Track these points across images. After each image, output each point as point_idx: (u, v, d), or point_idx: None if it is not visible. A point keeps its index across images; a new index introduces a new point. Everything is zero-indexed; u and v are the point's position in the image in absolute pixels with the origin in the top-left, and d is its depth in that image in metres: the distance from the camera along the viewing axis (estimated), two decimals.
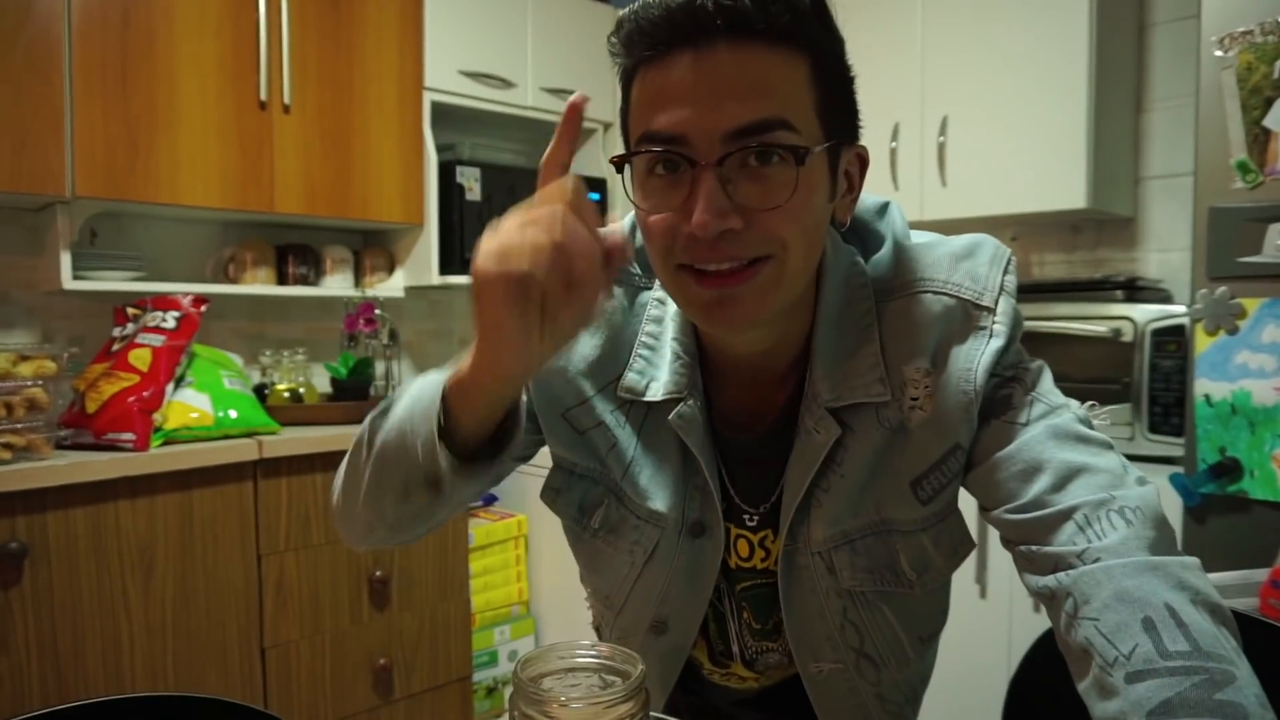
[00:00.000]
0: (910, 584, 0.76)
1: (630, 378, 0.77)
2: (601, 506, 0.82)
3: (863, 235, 0.78)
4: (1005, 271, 0.72)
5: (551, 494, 0.86)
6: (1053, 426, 0.68)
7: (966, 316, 0.70)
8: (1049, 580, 0.64)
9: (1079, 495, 0.64)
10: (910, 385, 0.71)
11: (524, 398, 0.73)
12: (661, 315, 0.78)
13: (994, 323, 0.70)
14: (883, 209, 0.79)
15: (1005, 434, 0.69)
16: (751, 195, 0.62)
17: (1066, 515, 0.64)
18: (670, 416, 0.75)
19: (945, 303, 0.71)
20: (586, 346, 0.78)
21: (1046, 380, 0.72)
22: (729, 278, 0.64)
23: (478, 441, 0.66)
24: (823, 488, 0.74)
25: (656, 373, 0.77)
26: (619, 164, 0.67)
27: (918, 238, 0.77)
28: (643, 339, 0.78)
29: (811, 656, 0.81)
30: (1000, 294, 0.71)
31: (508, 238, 0.56)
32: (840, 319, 0.73)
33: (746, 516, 0.80)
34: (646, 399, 0.77)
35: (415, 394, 0.69)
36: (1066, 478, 0.65)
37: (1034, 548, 0.66)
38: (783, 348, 0.74)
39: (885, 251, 0.75)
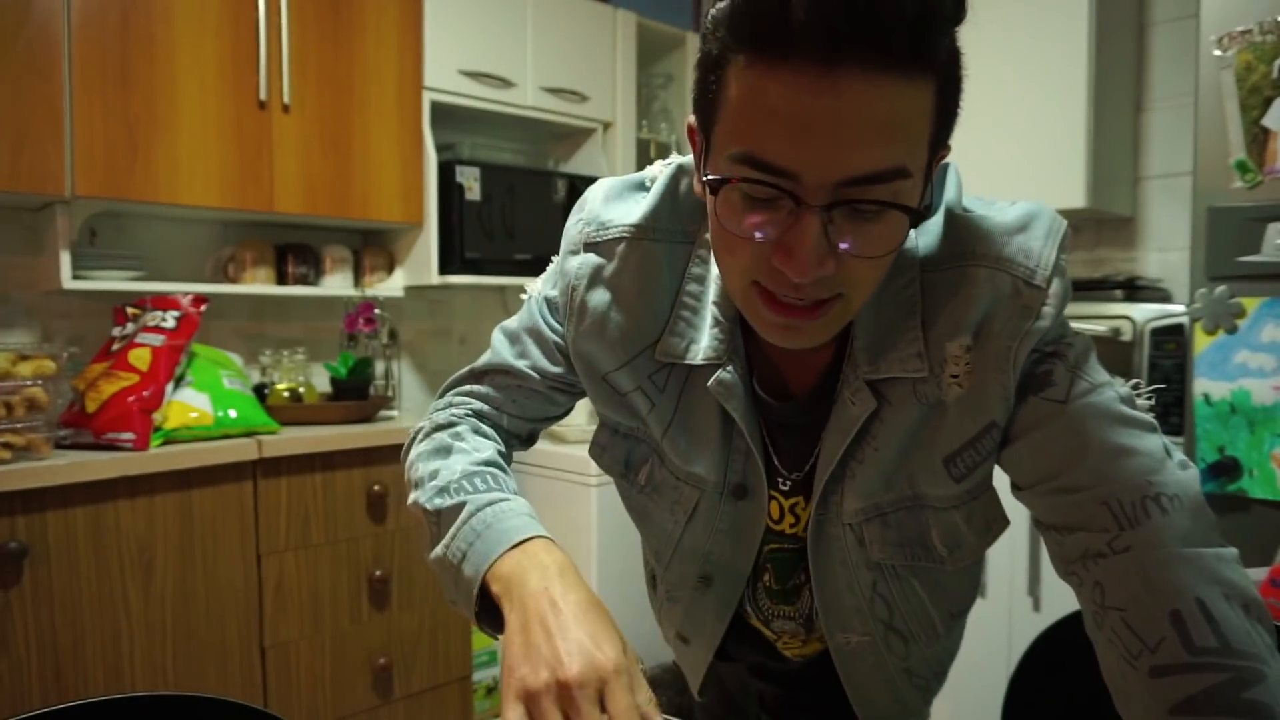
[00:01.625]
0: (942, 560, 0.75)
1: (670, 341, 0.76)
2: (647, 464, 0.83)
3: None
4: (1060, 248, 0.68)
5: (598, 450, 0.87)
6: (1094, 405, 0.65)
7: (1016, 294, 0.67)
8: (1078, 567, 0.63)
9: (1116, 480, 0.62)
10: (951, 362, 0.68)
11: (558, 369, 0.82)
12: (703, 275, 0.76)
13: (1043, 304, 0.66)
14: (941, 171, 0.73)
15: (1044, 412, 0.67)
16: (851, 242, 0.58)
17: (1102, 500, 0.62)
18: (710, 383, 0.74)
19: (995, 279, 0.67)
20: (625, 311, 0.77)
21: (1091, 356, 0.69)
22: (799, 312, 0.62)
23: None
24: (857, 459, 0.73)
25: (697, 335, 0.75)
26: (714, 188, 0.60)
27: (969, 203, 0.72)
28: (683, 299, 0.76)
29: (840, 627, 0.81)
30: (1053, 274, 0.67)
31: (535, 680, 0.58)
32: (883, 290, 0.69)
33: (781, 480, 0.79)
34: (686, 362, 0.75)
35: (463, 534, 0.71)
36: (1105, 460, 0.63)
37: (1065, 532, 0.65)
38: None
39: (936, 220, 0.71)
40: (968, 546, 0.75)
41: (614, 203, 0.78)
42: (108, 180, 1.92)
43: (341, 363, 2.29)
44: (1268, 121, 1.52)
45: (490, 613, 0.69)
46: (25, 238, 2.10)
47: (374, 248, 2.58)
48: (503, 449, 0.83)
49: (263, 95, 2.12)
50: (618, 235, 0.76)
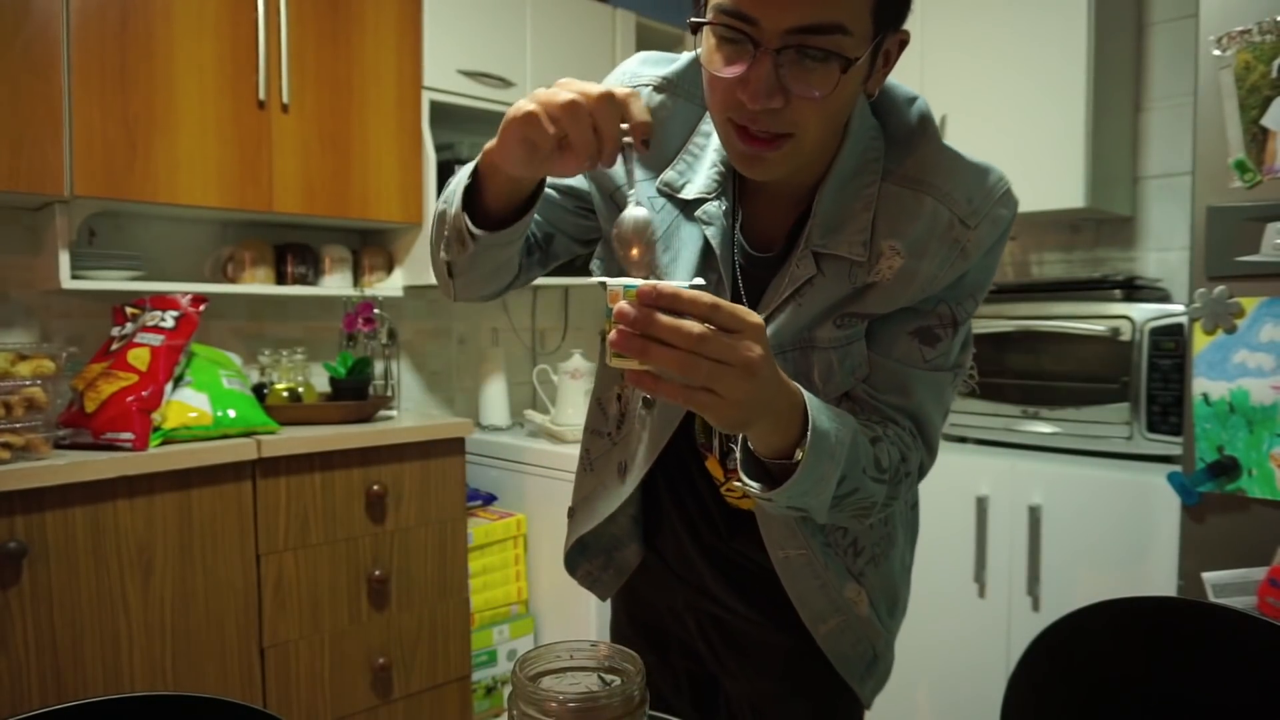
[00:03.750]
0: (817, 391, 0.89)
1: (670, 174, 0.91)
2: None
3: (888, 114, 0.88)
4: (999, 203, 0.84)
5: (598, 262, 1.01)
6: (936, 381, 0.89)
7: (950, 227, 0.83)
8: (852, 400, 0.90)
9: (900, 426, 0.89)
10: (884, 256, 0.84)
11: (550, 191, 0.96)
12: (710, 132, 0.90)
13: (969, 241, 0.83)
14: (912, 100, 0.89)
15: (912, 356, 0.88)
16: (796, 83, 0.73)
17: (885, 425, 0.88)
18: (698, 211, 0.89)
19: (938, 210, 0.83)
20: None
21: (964, 332, 0.90)
22: (760, 143, 0.77)
23: (501, 211, 0.85)
24: (781, 309, 0.88)
25: (694, 175, 0.90)
26: (695, 28, 0.78)
27: (935, 141, 0.87)
28: (690, 145, 0.92)
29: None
30: (985, 220, 0.83)
31: (545, 91, 0.73)
32: (847, 182, 0.85)
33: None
34: (681, 196, 0.90)
35: (466, 167, 0.87)
36: (910, 415, 0.89)
37: (855, 412, 0.88)
38: (796, 184, 0.87)
39: (906, 140, 0.86)
40: (835, 381, 0.90)
41: (649, 65, 0.95)
42: (107, 180, 1.92)
43: (340, 362, 2.29)
44: (1267, 121, 1.53)
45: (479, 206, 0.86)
46: (24, 237, 2.10)
47: (373, 247, 2.58)
48: None
49: (262, 95, 2.12)
50: (647, 81, 0.93)
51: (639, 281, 0.66)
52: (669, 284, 0.65)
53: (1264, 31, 1.52)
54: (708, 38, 0.77)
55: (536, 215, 0.96)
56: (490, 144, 0.80)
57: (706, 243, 0.89)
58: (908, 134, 0.87)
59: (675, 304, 0.64)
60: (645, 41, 2.91)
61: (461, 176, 0.87)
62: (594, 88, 0.72)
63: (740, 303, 0.89)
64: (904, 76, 0.88)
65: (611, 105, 0.72)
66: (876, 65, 0.79)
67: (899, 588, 1.04)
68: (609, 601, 1.18)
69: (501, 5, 2.57)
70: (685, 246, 0.91)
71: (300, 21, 2.18)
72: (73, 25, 1.86)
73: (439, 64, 2.45)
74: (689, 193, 0.90)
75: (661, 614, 1.10)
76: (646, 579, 1.09)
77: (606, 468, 1.05)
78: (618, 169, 0.91)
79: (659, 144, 0.90)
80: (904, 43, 0.81)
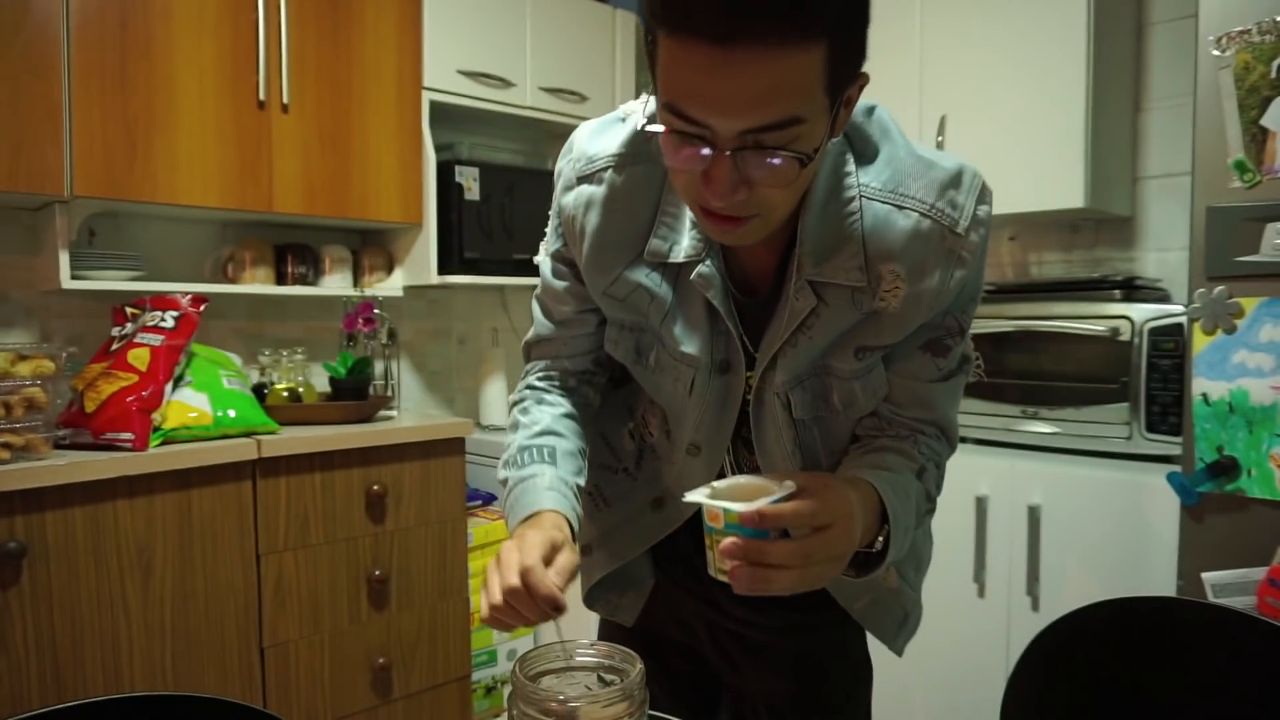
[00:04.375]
0: (837, 412, 0.93)
1: (654, 244, 0.90)
2: (653, 350, 0.96)
3: (850, 130, 0.87)
4: (979, 201, 0.84)
5: (612, 344, 0.99)
6: (952, 386, 0.93)
7: (942, 238, 0.83)
8: (877, 417, 0.94)
9: (927, 434, 0.93)
10: (885, 280, 0.84)
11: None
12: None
13: (963, 249, 0.84)
14: (869, 111, 0.87)
15: (925, 371, 0.91)
16: (758, 176, 0.73)
17: (913, 438, 0.93)
18: (692, 276, 0.88)
19: (925, 225, 0.83)
20: (618, 226, 0.91)
21: (970, 334, 0.93)
22: (728, 222, 0.77)
23: None
24: (791, 343, 0.88)
25: (678, 237, 0.89)
26: (650, 121, 0.76)
27: (903, 148, 0.86)
28: (665, 208, 0.90)
29: (771, 468, 0.99)
30: (972, 223, 0.84)
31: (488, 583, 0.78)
32: (826, 207, 0.84)
33: (749, 360, 0.95)
34: (671, 260, 0.89)
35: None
36: (934, 424, 0.94)
37: (882, 428, 0.94)
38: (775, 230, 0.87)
39: (878, 156, 0.86)
40: (858, 405, 0.92)
41: (597, 137, 0.92)
42: (107, 180, 1.92)
43: (340, 362, 2.29)
44: (1266, 121, 1.53)
45: None
46: (24, 237, 2.10)
47: (373, 247, 2.58)
48: (568, 408, 1.00)
49: (262, 95, 2.12)
50: (604, 164, 0.90)
51: (739, 506, 0.68)
52: (768, 503, 0.69)
53: (1263, 32, 1.52)
54: (664, 136, 0.74)
55: (576, 351, 1.03)
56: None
57: (709, 304, 0.90)
58: (873, 146, 0.86)
59: (780, 523, 0.68)
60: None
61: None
62: (504, 583, 0.76)
63: (749, 351, 0.93)
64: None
65: (519, 599, 0.75)
66: (838, 118, 0.75)
67: (922, 548, 1.07)
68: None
69: (501, 5, 2.57)
70: (691, 311, 0.92)
71: (300, 21, 2.18)
72: (72, 25, 1.86)
73: (439, 64, 2.45)
74: (678, 256, 0.89)
75: (665, 623, 1.11)
76: (655, 595, 1.10)
77: (630, 503, 1.06)
78: (605, 265, 0.93)
79: (632, 219, 0.91)
80: (864, 84, 0.77)
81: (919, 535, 1.04)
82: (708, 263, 0.88)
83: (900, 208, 0.83)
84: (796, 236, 0.84)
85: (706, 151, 0.71)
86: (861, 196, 0.84)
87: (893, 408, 0.93)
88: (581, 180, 0.92)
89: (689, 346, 0.92)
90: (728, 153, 0.70)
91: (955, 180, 0.84)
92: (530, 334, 1.05)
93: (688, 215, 0.88)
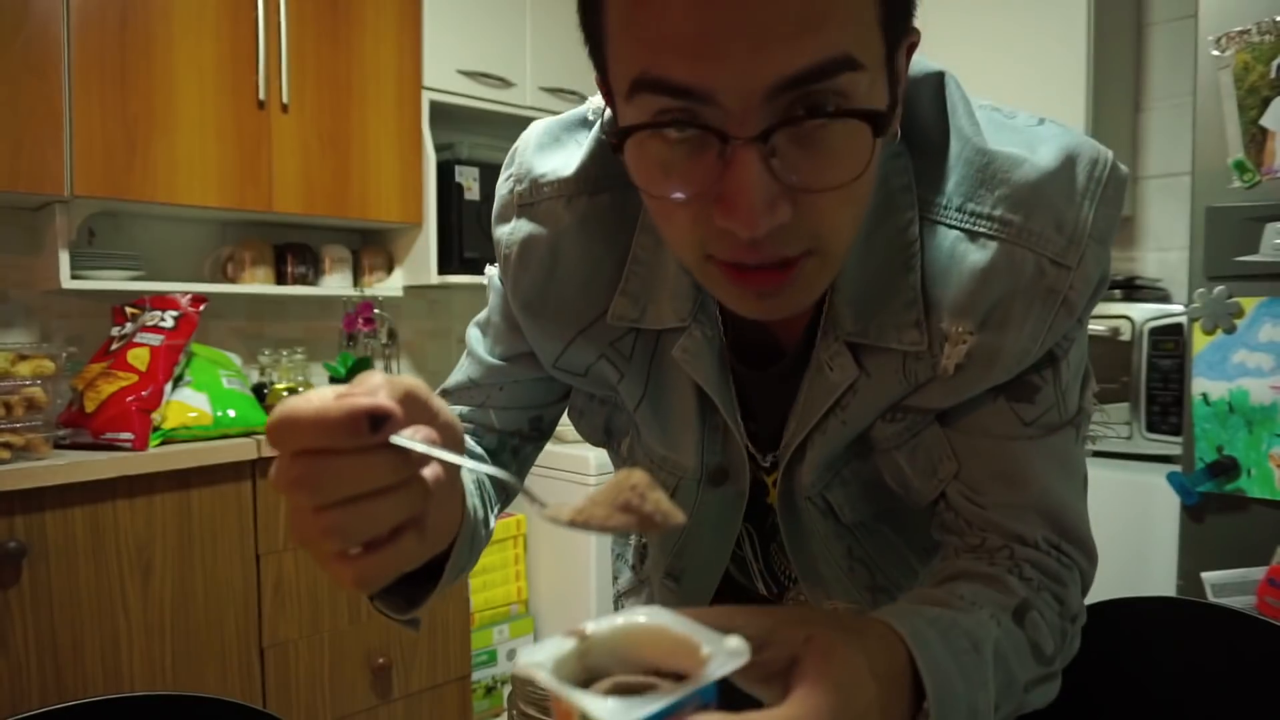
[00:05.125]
0: (901, 499, 0.66)
1: (620, 304, 0.63)
2: (627, 437, 0.72)
3: (908, 117, 0.58)
4: (1101, 203, 0.55)
5: (575, 414, 0.75)
6: (1052, 446, 0.61)
7: (1039, 275, 0.55)
8: (955, 515, 0.62)
9: (1035, 541, 0.59)
10: (951, 342, 0.57)
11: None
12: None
13: (1070, 287, 0.55)
14: (937, 86, 0.59)
15: (1007, 426, 0.60)
16: (805, 171, 0.46)
17: (1009, 550, 0.59)
18: (674, 350, 0.63)
19: (1016, 257, 0.55)
20: (567, 280, 0.64)
21: (1074, 363, 0.61)
22: (767, 276, 0.50)
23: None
24: (820, 430, 0.62)
25: (654, 294, 0.63)
26: (618, 139, 0.49)
27: (982, 119, 0.59)
28: (637, 252, 0.62)
29: (825, 597, 0.72)
30: (1087, 243, 0.55)
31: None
32: (873, 229, 0.57)
33: (763, 458, 0.68)
34: (643, 327, 0.63)
35: None
36: (1038, 512, 0.60)
37: (963, 532, 0.62)
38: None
39: (946, 155, 0.58)
40: (916, 487, 0.64)
41: (549, 150, 0.65)
42: (106, 180, 1.92)
43: (340, 362, 2.29)
44: (1266, 121, 1.53)
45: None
46: (24, 237, 2.10)
47: (373, 247, 2.58)
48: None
49: (261, 95, 2.12)
50: (552, 194, 0.63)
51: (611, 704, 0.34)
52: (675, 699, 0.34)
53: (1263, 32, 1.52)
54: (638, 148, 0.49)
55: (510, 403, 0.72)
56: None
57: (700, 394, 0.64)
58: (936, 139, 0.58)
59: None
60: None
61: None
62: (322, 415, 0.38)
63: (749, 457, 0.66)
64: None
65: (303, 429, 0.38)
66: (897, 82, 0.51)
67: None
68: (610, 606, 1.13)
69: (501, 5, 2.57)
70: (673, 397, 0.66)
71: (300, 21, 2.18)
72: (73, 25, 1.85)
73: (439, 64, 2.44)
74: (653, 322, 0.63)
75: None
76: None
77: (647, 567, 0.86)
78: (548, 332, 0.66)
79: (589, 270, 0.63)
80: (914, 45, 0.54)
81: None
82: (695, 332, 0.62)
83: (973, 235, 0.56)
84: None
85: (718, 151, 0.45)
86: (921, 218, 0.57)
87: (967, 492, 0.61)
88: (522, 208, 0.65)
89: (668, 448, 0.68)
90: (751, 138, 0.44)
91: (1062, 175, 0.55)
92: (453, 378, 0.75)
93: (669, 264, 0.62)
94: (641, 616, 0.38)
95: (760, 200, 0.45)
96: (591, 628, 0.38)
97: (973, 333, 0.56)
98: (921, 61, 0.59)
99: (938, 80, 0.60)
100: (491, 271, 0.73)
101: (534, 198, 0.64)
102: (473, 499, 0.59)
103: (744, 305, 0.53)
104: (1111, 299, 2.07)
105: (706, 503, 0.69)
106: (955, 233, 0.57)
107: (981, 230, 0.56)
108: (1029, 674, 0.55)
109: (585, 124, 0.66)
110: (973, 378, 0.58)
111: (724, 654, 0.35)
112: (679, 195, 0.47)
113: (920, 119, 0.58)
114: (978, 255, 0.56)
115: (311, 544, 0.39)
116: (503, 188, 0.67)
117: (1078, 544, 0.61)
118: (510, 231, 0.65)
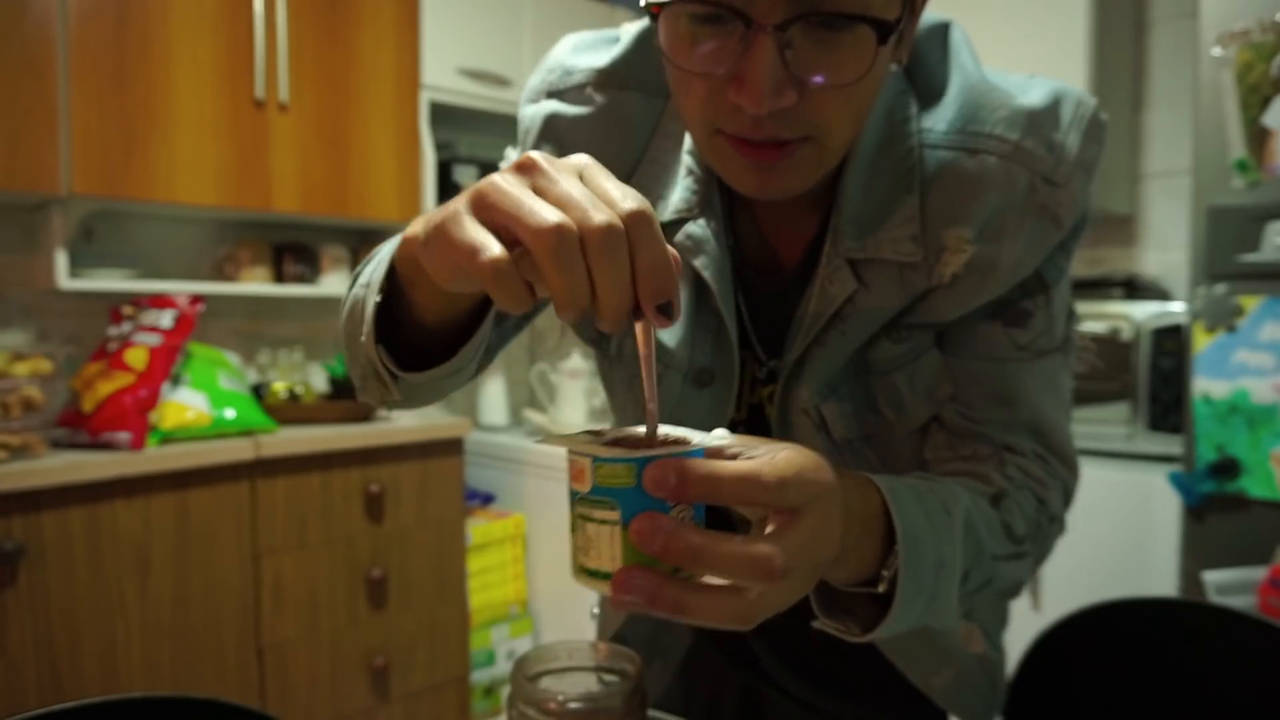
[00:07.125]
0: (891, 424, 0.70)
1: None
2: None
3: (914, 60, 0.65)
4: (1086, 137, 0.62)
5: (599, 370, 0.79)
6: (1044, 368, 0.67)
7: (1031, 191, 0.61)
8: (948, 432, 0.68)
9: (1023, 450, 0.67)
10: (949, 252, 0.62)
11: None
12: (678, 131, 0.68)
13: (1059, 204, 0.62)
14: (943, 33, 0.66)
15: (1001, 349, 0.66)
16: (815, 68, 0.52)
17: (999, 457, 0.66)
18: (677, 236, 0.65)
19: (1010, 172, 0.61)
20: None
21: (1062, 294, 0.68)
22: (767, 152, 0.56)
23: (438, 327, 0.54)
24: (820, 343, 0.66)
25: (665, 191, 0.67)
26: (654, 9, 0.54)
27: (976, 71, 0.65)
28: (653, 154, 0.68)
29: None
30: (1074, 166, 0.61)
31: (513, 188, 0.41)
32: (877, 157, 0.63)
33: (759, 366, 0.71)
34: None
35: (381, 254, 0.58)
36: (1026, 428, 0.67)
37: (955, 445, 0.68)
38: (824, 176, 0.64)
39: (946, 92, 0.64)
40: (910, 410, 0.69)
41: (582, 52, 0.71)
42: (104, 179, 1.92)
43: (339, 362, 2.28)
44: (1267, 120, 1.52)
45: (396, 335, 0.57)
46: (21, 236, 2.09)
47: (372, 246, 2.56)
48: None
49: (260, 94, 2.11)
50: (583, 80, 0.68)
51: (628, 457, 0.38)
52: (689, 454, 0.40)
53: (1264, 30, 1.52)
54: (671, 21, 0.54)
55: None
56: (413, 232, 0.48)
57: (698, 279, 0.66)
58: (941, 79, 0.64)
59: (711, 493, 0.39)
60: None
61: (373, 274, 0.56)
62: (603, 206, 0.39)
63: (756, 356, 0.70)
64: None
65: (620, 246, 0.38)
66: (903, 19, 0.55)
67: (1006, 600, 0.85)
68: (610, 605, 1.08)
69: (500, 4, 2.57)
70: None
71: (298, 20, 2.17)
72: (70, 23, 1.85)
73: (438, 62, 2.44)
74: (661, 213, 0.66)
75: (696, 697, 0.92)
76: (687, 665, 0.90)
77: None
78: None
79: (607, 157, 0.57)
80: None
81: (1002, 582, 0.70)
82: (700, 221, 0.65)
83: (972, 151, 0.61)
84: (834, 200, 0.64)
85: (741, 35, 0.51)
86: (923, 145, 0.63)
87: (962, 410, 0.67)
88: (551, 94, 0.70)
89: (664, 335, 0.69)
90: (771, 27, 0.50)
91: (1052, 109, 0.62)
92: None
93: (683, 165, 0.67)
94: (641, 428, 0.45)
95: (769, 83, 0.51)
96: (601, 429, 0.47)
97: (971, 242, 0.62)
98: (929, 15, 0.65)
99: (944, 28, 0.66)
100: (510, 153, 0.77)
101: (564, 84, 0.70)
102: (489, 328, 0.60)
103: (745, 180, 0.59)
104: (1112, 299, 2.07)
105: (690, 402, 0.71)
106: (955, 153, 0.62)
107: (980, 147, 0.62)
108: (999, 548, 0.61)
109: (615, 41, 0.71)
110: (972, 287, 0.63)
111: (712, 439, 0.44)
112: (703, 68, 0.54)
113: (926, 60, 0.65)
114: (975, 167, 0.61)
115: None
116: (534, 79, 0.72)
117: (1062, 458, 0.69)
118: (535, 111, 0.70)
